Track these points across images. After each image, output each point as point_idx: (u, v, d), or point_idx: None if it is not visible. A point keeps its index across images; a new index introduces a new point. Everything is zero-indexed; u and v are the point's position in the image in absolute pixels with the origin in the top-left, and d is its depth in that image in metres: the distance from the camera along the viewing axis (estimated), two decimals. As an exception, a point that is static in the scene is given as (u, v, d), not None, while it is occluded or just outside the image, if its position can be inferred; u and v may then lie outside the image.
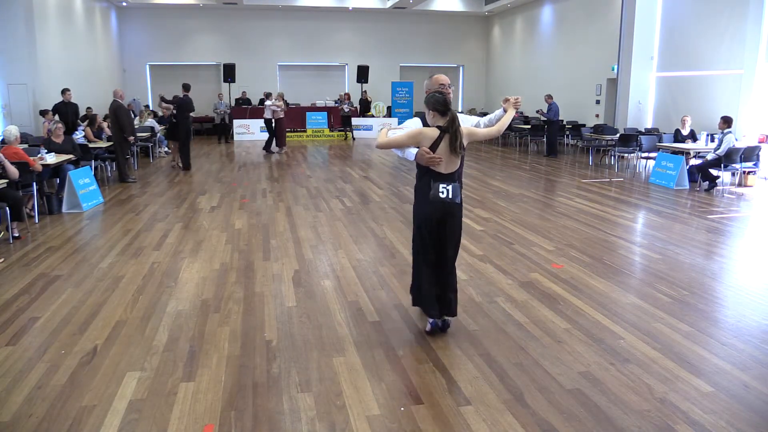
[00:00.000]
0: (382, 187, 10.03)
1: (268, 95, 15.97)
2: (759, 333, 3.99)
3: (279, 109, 15.22)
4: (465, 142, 3.65)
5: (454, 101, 24.79)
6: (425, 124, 3.75)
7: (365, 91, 20.77)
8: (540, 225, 7.15)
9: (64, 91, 12.42)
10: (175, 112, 12.15)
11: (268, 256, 5.86)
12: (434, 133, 3.60)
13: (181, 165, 12.27)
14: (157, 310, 4.44)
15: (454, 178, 3.68)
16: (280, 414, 3.02)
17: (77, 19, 16.01)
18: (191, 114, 12.32)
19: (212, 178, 10.98)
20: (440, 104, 3.60)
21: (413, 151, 3.64)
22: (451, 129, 3.57)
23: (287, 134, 19.37)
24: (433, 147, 3.58)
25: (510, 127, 17.28)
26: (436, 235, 3.76)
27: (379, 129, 4.13)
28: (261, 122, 16.63)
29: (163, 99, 13.11)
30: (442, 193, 3.64)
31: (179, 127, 12.07)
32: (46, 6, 13.71)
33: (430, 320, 3.91)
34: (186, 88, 12.28)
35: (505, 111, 3.91)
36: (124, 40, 20.53)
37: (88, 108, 14.00)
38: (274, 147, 15.53)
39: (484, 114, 21.64)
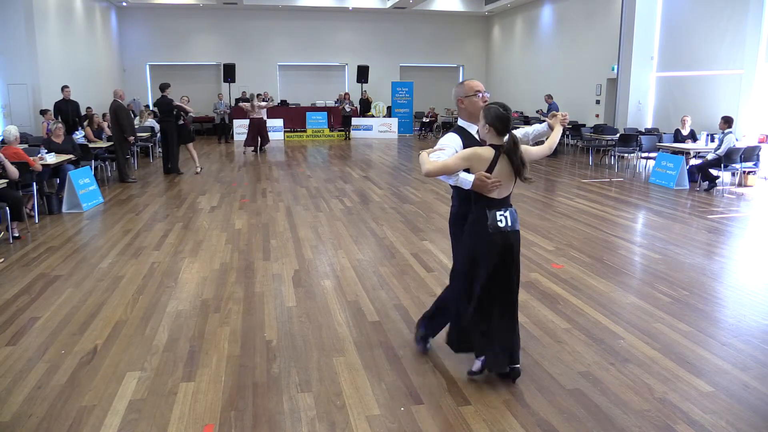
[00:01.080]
0: (382, 187, 10.03)
1: (251, 97, 15.76)
2: (759, 333, 3.99)
3: (252, 109, 14.96)
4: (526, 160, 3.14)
5: (453, 102, 24.98)
6: (465, 138, 3.24)
7: (365, 91, 20.78)
8: (540, 225, 7.15)
9: (63, 88, 12.39)
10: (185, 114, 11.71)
11: (268, 256, 5.86)
12: (489, 153, 3.07)
13: (198, 169, 11.72)
14: (157, 310, 4.44)
15: (509, 202, 3.21)
16: (280, 414, 3.02)
17: (77, 18, 16.01)
18: (183, 113, 11.64)
19: (212, 178, 10.98)
20: (502, 121, 3.06)
21: (469, 178, 3.06)
22: (512, 152, 3.07)
23: (287, 134, 19.43)
24: (489, 170, 3.06)
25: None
26: (495, 272, 3.20)
27: (417, 154, 3.40)
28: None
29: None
30: (501, 221, 3.14)
31: (167, 130, 11.47)
32: (46, 6, 13.71)
33: (481, 358, 3.34)
34: (162, 87, 11.69)
35: (551, 128, 3.46)
36: (124, 40, 20.53)
37: (88, 108, 14.00)
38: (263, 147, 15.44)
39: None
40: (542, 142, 3.43)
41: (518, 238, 3.26)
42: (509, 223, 3.17)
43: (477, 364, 3.34)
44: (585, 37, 16.90)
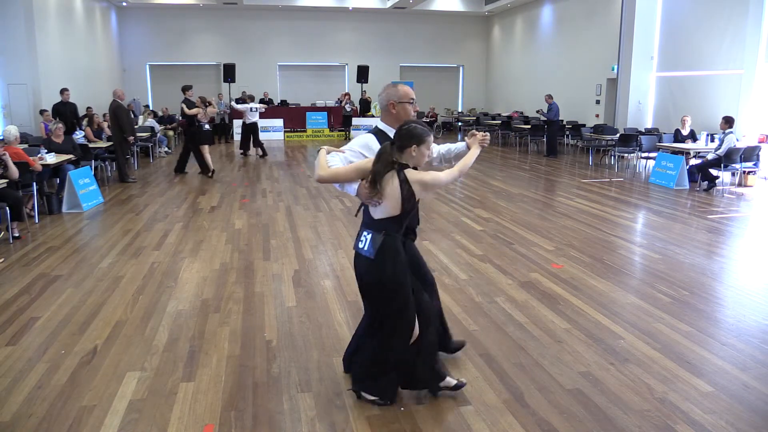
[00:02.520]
0: (382, 187, 10.01)
1: (247, 99, 15.35)
2: (759, 333, 3.99)
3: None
4: (417, 190, 2.86)
5: (453, 102, 24.79)
6: (383, 141, 3.00)
7: (364, 92, 20.78)
8: (540, 225, 7.15)
9: (62, 91, 12.39)
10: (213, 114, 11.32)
11: (268, 256, 5.85)
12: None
13: (210, 172, 11.26)
14: (157, 310, 4.44)
15: (384, 227, 2.88)
16: (280, 414, 3.02)
17: (77, 19, 16.01)
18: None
19: (212, 178, 10.97)
20: (395, 136, 2.90)
21: (354, 185, 2.91)
22: (374, 164, 2.84)
23: (287, 134, 19.41)
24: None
25: (510, 128, 17.33)
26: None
27: (317, 150, 3.15)
28: (261, 122, 16.23)
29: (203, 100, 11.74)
30: (361, 242, 2.94)
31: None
32: (46, 6, 13.71)
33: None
34: (184, 89, 11.46)
35: (468, 147, 3.21)
36: (124, 40, 20.53)
37: (88, 108, 14.00)
38: (256, 150, 14.69)
39: (485, 114, 21.37)
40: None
41: (366, 268, 2.92)
42: (364, 247, 2.90)
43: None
44: (585, 37, 16.90)
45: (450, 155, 3.40)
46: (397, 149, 2.85)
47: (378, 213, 2.88)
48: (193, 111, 11.13)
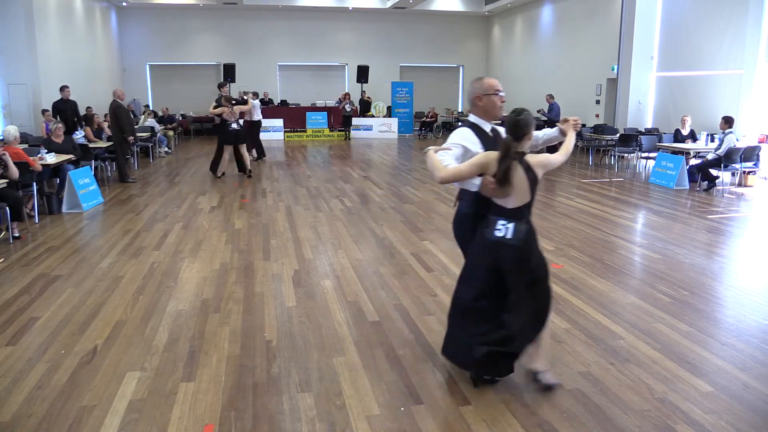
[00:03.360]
0: (382, 187, 10.03)
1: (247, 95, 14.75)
2: (759, 333, 3.99)
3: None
4: (540, 174, 3.02)
5: (453, 102, 24.79)
6: (478, 135, 3.16)
7: (364, 92, 20.78)
8: (540, 225, 7.14)
9: (62, 88, 12.35)
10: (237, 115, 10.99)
11: (268, 256, 5.85)
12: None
13: (220, 173, 11.10)
14: (157, 310, 4.44)
15: (520, 215, 3.02)
16: (280, 414, 3.02)
17: (77, 19, 16.01)
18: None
19: (212, 178, 10.97)
20: (509, 126, 2.99)
21: (476, 181, 3.01)
22: (502, 158, 2.94)
23: (287, 134, 19.41)
24: (495, 174, 2.97)
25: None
26: (490, 285, 3.12)
27: (424, 151, 3.44)
28: (264, 122, 15.86)
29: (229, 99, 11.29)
30: (500, 231, 3.03)
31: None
32: (46, 6, 13.71)
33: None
34: (219, 86, 11.33)
35: (563, 133, 3.35)
36: (124, 40, 20.53)
37: (88, 108, 14.00)
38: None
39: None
40: (555, 148, 3.32)
41: (513, 254, 3.02)
42: (506, 235, 3.00)
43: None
44: (585, 37, 16.90)
45: (538, 142, 3.50)
46: (516, 139, 2.96)
47: (510, 203, 3.00)
48: (218, 110, 10.85)
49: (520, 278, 3.07)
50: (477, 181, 3.01)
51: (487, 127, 3.25)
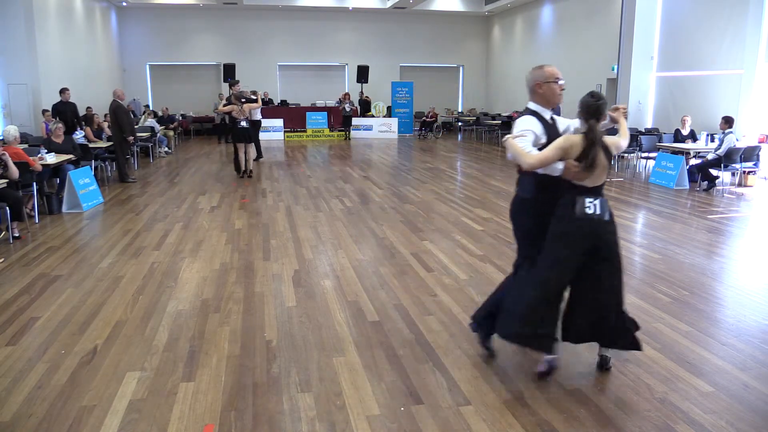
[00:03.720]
0: (382, 187, 10.03)
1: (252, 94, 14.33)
2: (759, 333, 3.99)
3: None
4: (614, 152, 3.27)
5: (453, 102, 24.81)
6: (541, 121, 3.28)
7: (361, 92, 20.76)
8: (540, 225, 7.13)
9: (62, 91, 12.37)
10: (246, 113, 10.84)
11: (268, 256, 5.85)
12: (581, 141, 3.14)
13: (242, 172, 11.04)
14: (157, 310, 4.44)
15: (601, 192, 3.22)
16: (280, 414, 3.02)
17: (77, 19, 16.01)
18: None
19: (212, 178, 10.97)
20: (587, 109, 3.16)
21: (558, 165, 3.14)
22: (590, 142, 3.11)
23: (287, 134, 19.40)
24: (581, 157, 3.10)
25: (510, 128, 17.33)
26: (581, 263, 3.22)
27: (503, 139, 3.45)
28: (264, 122, 15.72)
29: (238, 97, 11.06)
30: (589, 208, 3.15)
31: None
32: (46, 6, 13.71)
33: (547, 357, 3.35)
34: (230, 84, 11.28)
35: (613, 120, 3.46)
36: (124, 40, 20.53)
37: (88, 108, 14.00)
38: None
39: (485, 114, 21.37)
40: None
41: (609, 229, 3.21)
42: (598, 211, 3.17)
43: (542, 366, 3.37)
44: (585, 37, 16.90)
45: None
46: (597, 122, 3.15)
47: (591, 182, 3.16)
48: (226, 108, 10.80)
49: (614, 251, 3.23)
50: (560, 165, 3.13)
51: (546, 114, 3.34)
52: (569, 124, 3.49)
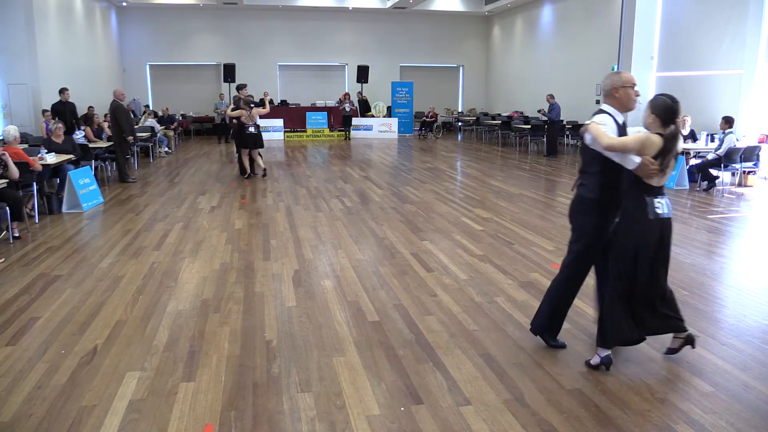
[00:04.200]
0: (382, 187, 10.03)
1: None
2: (759, 333, 3.99)
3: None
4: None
5: (453, 102, 24.78)
6: (616, 123, 3.41)
7: (359, 92, 20.74)
8: (540, 225, 7.14)
9: (62, 91, 12.38)
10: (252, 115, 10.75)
11: (268, 256, 5.85)
12: (659, 141, 3.22)
13: (246, 174, 10.97)
14: (157, 310, 4.44)
15: (663, 191, 3.38)
16: (280, 414, 3.02)
17: (77, 19, 16.01)
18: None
19: (212, 178, 10.97)
20: (670, 112, 3.25)
21: (636, 159, 3.22)
22: (672, 143, 3.23)
23: (287, 134, 19.40)
24: (656, 156, 3.20)
25: (510, 128, 17.33)
26: (653, 260, 3.40)
27: (587, 122, 3.51)
28: (261, 123, 15.70)
29: (246, 101, 10.94)
30: (659, 208, 3.31)
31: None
32: (46, 6, 13.71)
33: (602, 352, 3.46)
34: (237, 88, 11.26)
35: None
36: (124, 40, 20.54)
37: (90, 107, 14.01)
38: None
39: (485, 114, 21.36)
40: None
41: (671, 225, 3.41)
42: (666, 211, 3.32)
43: (596, 359, 3.48)
44: (585, 37, 16.89)
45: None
46: (674, 123, 3.27)
47: (656, 182, 3.27)
48: (236, 113, 10.70)
49: (669, 247, 3.45)
50: (637, 159, 3.21)
51: (620, 118, 3.44)
52: (637, 130, 3.59)
